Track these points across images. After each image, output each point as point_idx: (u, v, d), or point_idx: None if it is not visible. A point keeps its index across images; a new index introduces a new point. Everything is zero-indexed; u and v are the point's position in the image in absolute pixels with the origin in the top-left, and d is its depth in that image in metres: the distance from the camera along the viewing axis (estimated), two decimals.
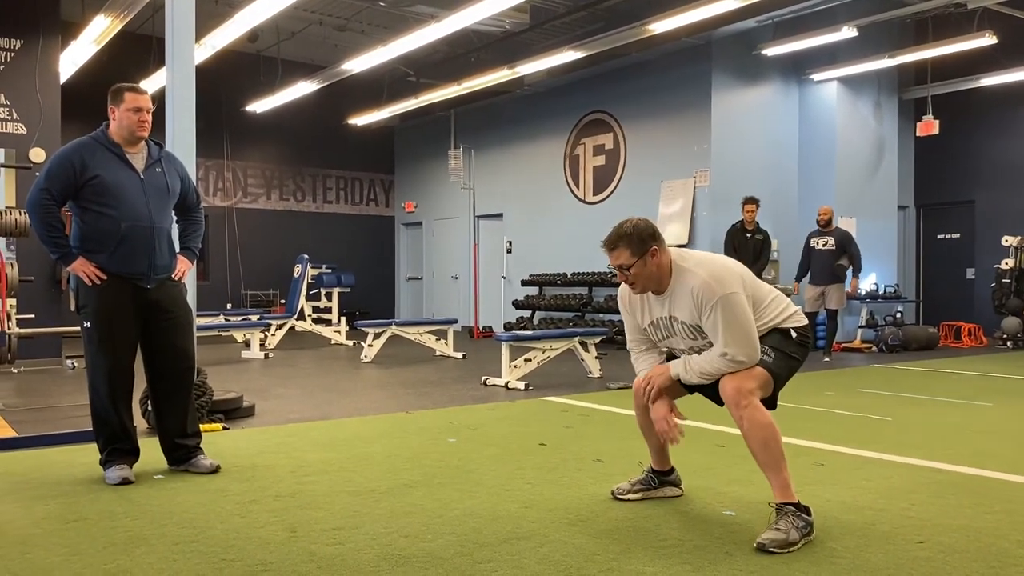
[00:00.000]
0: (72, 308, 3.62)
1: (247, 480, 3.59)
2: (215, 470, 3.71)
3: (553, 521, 2.97)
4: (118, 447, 3.59)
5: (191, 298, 4.70)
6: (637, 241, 2.81)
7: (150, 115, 3.52)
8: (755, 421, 2.78)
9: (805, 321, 3.00)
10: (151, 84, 10.07)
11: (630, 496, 3.26)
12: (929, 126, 11.01)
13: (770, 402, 2.93)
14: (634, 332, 3.12)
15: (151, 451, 3.85)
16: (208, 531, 2.86)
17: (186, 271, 3.73)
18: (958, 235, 12.95)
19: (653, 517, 3.03)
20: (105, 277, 3.45)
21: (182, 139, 4.84)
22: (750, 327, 2.79)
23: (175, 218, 3.84)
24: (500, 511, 3.10)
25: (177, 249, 3.79)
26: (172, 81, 4.90)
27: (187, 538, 2.78)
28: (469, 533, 2.83)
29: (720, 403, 2.97)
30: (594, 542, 2.74)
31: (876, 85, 11.39)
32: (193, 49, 5.04)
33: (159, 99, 4.04)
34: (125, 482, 3.49)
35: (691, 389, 3.09)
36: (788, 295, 10.12)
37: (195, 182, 3.98)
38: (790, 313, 2.96)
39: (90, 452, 3.77)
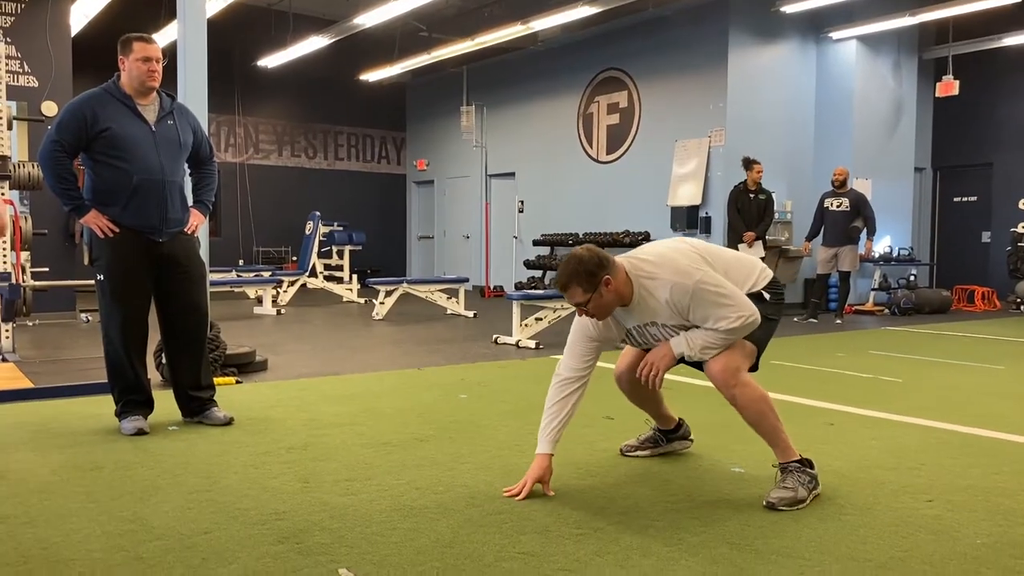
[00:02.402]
0: (86, 262, 3.62)
1: (260, 432, 3.63)
2: (229, 422, 3.75)
3: (562, 476, 2.99)
4: (133, 398, 3.63)
5: (204, 252, 4.73)
6: (586, 277, 2.64)
7: (160, 65, 3.49)
8: (747, 397, 2.73)
9: (771, 274, 2.90)
10: (163, 37, 9.99)
11: (638, 452, 3.28)
12: (949, 87, 10.82)
13: (752, 366, 2.88)
14: (586, 347, 2.85)
15: (166, 403, 3.89)
16: (222, 481, 2.90)
17: (199, 224, 3.73)
18: (975, 198, 12.81)
19: (662, 473, 3.05)
20: (118, 230, 3.46)
21: (194, 93, 4.82)
22: (734, 292, 2.70)
23: (188, 171, 3.84)
24: (510, 465, 3.13)
25: (190, 203, 3.79)
26: (184, 34, 4.87)
27: (201, 487, 2.82)
28: (480, 486, 2.86)
29: (702, 369, 2.95)
30: (602, 496, 2.77)
31: (896, 44, 11.18)
32: (204, 1, 5.00)
33: (170, 53, 4.02)
34: (140, 433, 3.53)
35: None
36: (800, 256, 10.09)
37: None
38: (757, 274, 2.88)
39: (105, 404, 3.82)
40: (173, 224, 3.58)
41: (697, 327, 2.73)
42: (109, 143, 3.40)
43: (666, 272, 2.70)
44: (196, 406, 3.78)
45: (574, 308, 2.78)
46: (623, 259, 2.77)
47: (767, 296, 2.84)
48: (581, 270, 2.65)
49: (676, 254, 2.77)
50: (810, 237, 9.54)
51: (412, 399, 4.46)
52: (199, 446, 3.39)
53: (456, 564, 2.16)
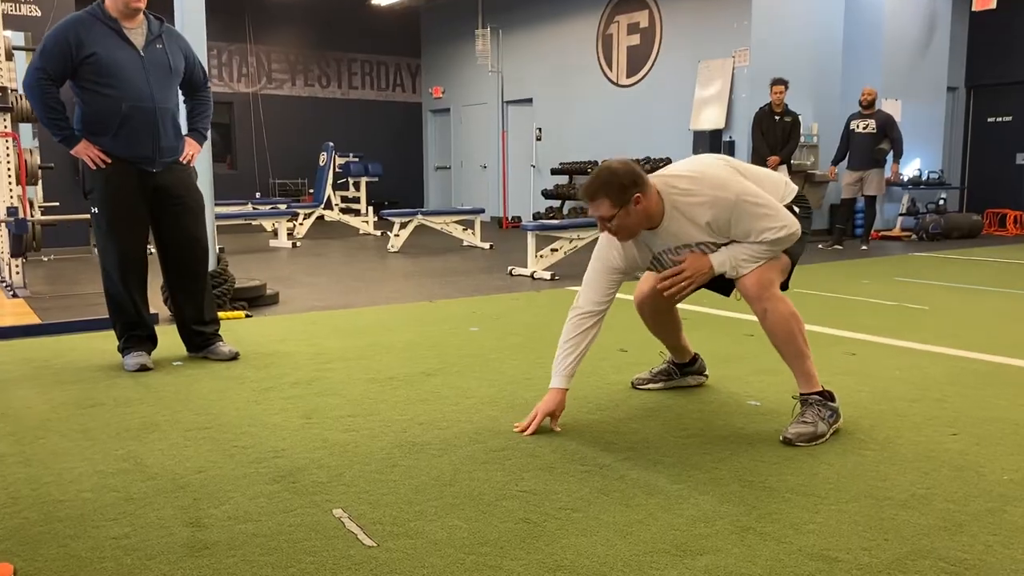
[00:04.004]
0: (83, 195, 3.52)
1: (265, 367, 3.56)
2: (234, 357, 3.68)
3: (571, 410, 2.89)
4: (135, 334, 3.56)
5: (205, 183, 4.60)
6: (618, 190, 2.49)
7: None
8: (778, 312, 2.62)
9: (796, 189, 2.76)
10: None
11: (650, 386, 3.17)
12: (986, 0, 10.29)
13: (783, 284, 2.76)
14: (607, 280, 2.71)
15: (172, 338, 3.83)
16: (222, 417, 2.83)
17: (195, 154, 3.59)
18: (1009, 118, 12.32)
19: (674, 407, 2.95)
20: (110, 160, 3.34)
21: (191, 18, 4.63)
22: (773, 203, 2.57)
23: (183, 99, 3.69)
24: (518, 400, 3.04)
25: (185, 132, 3.65)
26: None
27: (200, 424, 2.75)
28: (485, 421, 2.78)
29: (725, 293, 2.82)
30: (611, 431, 2.67)
31: None
32: None
33: None
34: (143, 369, 3.47)
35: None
36: (826, 181, 9.81)
37: (209, 66, 3.80)
38: (783, 188, 2.73)
39: (110, 339, 3.75)
40: (167, 153, 3.44)
41: (735, 242, 2.59)
42: (96, 69, 3.25)
43: (705, 187, 2.55)
44: (200, 341, 3.72)
45: (596, 222, 2.64)
46: (654, 178, 2.61)
47: (796, 210, 2.70)
48: (614, 182, 2.50)
49: (712, 169, 2.62)
50: (836, 161, 9.24)
51: (422, 332, 4.37)
52: (201, 382, 3.32)
53: (455, 503, 2.08)
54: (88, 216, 3.53)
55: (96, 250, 6.67)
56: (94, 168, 3.35)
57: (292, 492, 2.16)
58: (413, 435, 2.63)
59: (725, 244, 2.61)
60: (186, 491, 2.17)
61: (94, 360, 3.70)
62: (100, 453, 2.48)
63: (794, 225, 2.55)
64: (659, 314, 3.03)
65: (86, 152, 3.31)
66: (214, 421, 2.79)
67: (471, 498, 2.12)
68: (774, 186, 2.71)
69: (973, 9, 10.72)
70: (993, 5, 10.25)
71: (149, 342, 3.63)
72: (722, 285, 2.77)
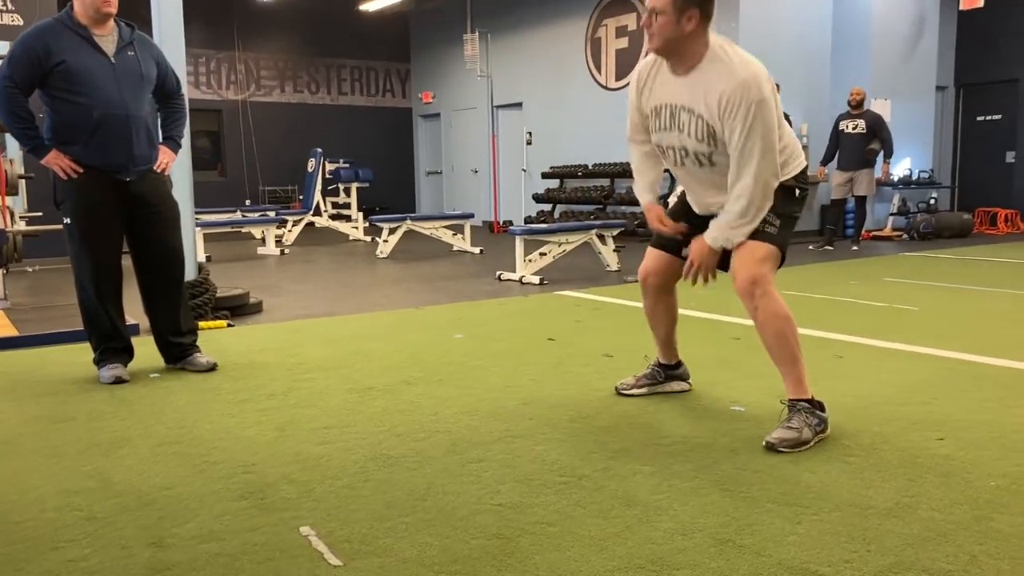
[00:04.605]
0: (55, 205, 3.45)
1: (243, 378, 3.50)
2: (212, 368, 3.62)
3: (552, 419, 2.84)
4: (110, 346, 3.50)
5: (185, 191, 4.56)
6: None
7: None
8: (771, 311, 2.58)
9: (804, 163, 2.71)
10: None
11: (634, 391, 3.12)
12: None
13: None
14: (636, 119, 2.81)
15: (150, 349, 3.76)
16: (194, 431, 2.77)
17: (169, 162, 3.53)
18: (999, 116, 12.31)
19: (657, 413, 2.89)
20: (81, 170, 3.27)
21: (169, 25, 4.57)
22: (776, 147, 2.50)
23: (157, 108, 3.63)
24: (499, 409, 2.98)
25: (161, 141, 3.59)
26: None
27: (172, 439, 2.69)
28: (463, 432, 2.72)
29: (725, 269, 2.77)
30: (592, 440, 2.62)
31: None
32: None
33: None
34: (119, 381, 3.41)
35: (678, 251, 2.86)
36: (816, 182, 9.77)
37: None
38: (797, 157, 2.67)
39: (88, 351, 3.67)
40: (140, 162, 3.38)
41: (702, 147, 2.57)
42: (65, 77, 3.19)
43: (747, 71, 2.47)
44: (177, 352, 3.65)
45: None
46: (713, 34, 2.56)
47: (797, 192, 2.67)
48: None
49: (764, 72, 2.51)
50: (825, 161, 9.20)
51: (406, 340, 4.31)
52: (177, 394, 3.26)
53: (427, 519, 2.02)
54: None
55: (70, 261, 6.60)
56: (65, 178, 3.28)
57: (260, 509, 2.10)
58: (388, 447, 2.57)
59: (710, 149, 2.56)
60: (151, 509, 2.11)
61: (71, 373, 3.64)
62: (67, 470, 2.41)
63: (774, 182, 2.52)
64: (661, 293, 2.97)
65: (56, 162, 3.25)
66: (186, 435, 2.73)
67: (444, 513, 2.06)
68: (789, 150, 2.65)
69: (961, 8, 10.71)
70: (980, 4, 10.25)
71: (125, 354, 3.57)
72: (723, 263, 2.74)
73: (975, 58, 12.24)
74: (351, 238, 11.27)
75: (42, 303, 5.81)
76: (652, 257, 2.96)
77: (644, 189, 2.89)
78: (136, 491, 2.24)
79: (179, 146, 3.61)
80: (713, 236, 2.62)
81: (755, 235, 2.59)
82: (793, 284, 6.10)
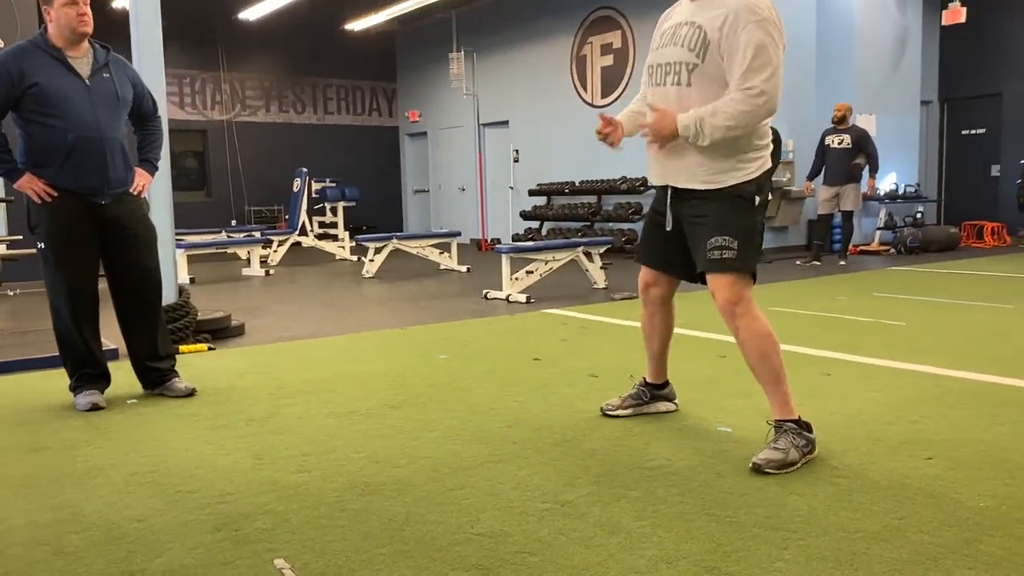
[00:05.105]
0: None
1: (222, 403, 3.43)
2: (190, 393, 3.55)
3: (536, 442, 2.80)
4: (86, 372, 3.43)
5: (165, 212, 4.51)
6: None
7: (88, 6, 3.21)
8: (752, 331, 2.56)
9: (769, 164, 2.62)
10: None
11: (620, 412, 3.07)
12: (956, 14, 10.35)
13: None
14: (645, 78, 2.74)
15: (128, 374, 3.69)
16: (170, 460, 2.71)
17: (145, 185, 3.48)
18: (983, 130, 12.38)
19: (642, 435, 2.85)
20: (56, 194, 3.22)
21: (148, 50, 4.52)
22: (779, 66, 2.43)
23: (133, 130, 3.59)
24: (482, 432, 2.93)
25: (137, 163, 3.54)
26: None
27: (146, 468, 2.63)
28: (445, 457, 2.67)
29: (694, 280, 2.76)
30: (577, 464, 2.57)
31: None
32: None
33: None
34: (95, 408, 3.34)
35: (670, 268, 2.82)
36: (802, 197, 9.78)
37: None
38: (763, 153, 2.61)
39: (65, 377, 3.62)
40: (116, 184, 3.32)
41: (691, 57, 2.51)
42: (39, 100, 3.14)
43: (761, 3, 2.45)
44: (155, 377, 3.59)
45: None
46: None
47: (756, 201, 2.59)
48: None
49: (772, 4, 2.48)
50: (811, 176, 9.21)
51: (389, 362, 4.25)
52: (153, 421, 3.20)
53: (404, 550, 1.97)
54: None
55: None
56: (39, 202, 3.23)
57: (234, 541, 2.04)
58: (368, 475, 2.52)
59: (696, 62, 2.51)
60: (122, 543, 2.05)
61: (46, 400, 3.57)
62: (37, 502, 2.35)
63: (773, 100, 2.43)
64: (660, 304, 2.93)
65: (29, 186, 3.19)
66: (161, 464, 2.67)
67: (423, 543, 2.00)
68: (764, 139, 2.61)
69: (943, 24, 10.79)
70: (962, 19, 10.33)
71: (102, 380, 3.50)
72: (693, 273, 2.71)
73: (959, 73, 12.33)
74: (337, 258, 11.21)
75: (21, 328, 5.73)
76: (647, 270, 2.93)
77: (627, 115, 2.88)
78: (107, 523, 2.17)
79: (156, 168, 3.57)
80: (685, 122, 2.49)
81: (716, 265, 2.56)
82: (781, 300, 6.08)
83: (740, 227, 2.56)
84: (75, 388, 3.44)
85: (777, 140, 2.73)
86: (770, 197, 2.70)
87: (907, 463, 2.49)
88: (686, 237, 2.68)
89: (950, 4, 10.43)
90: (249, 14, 12.37)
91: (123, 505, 2.31)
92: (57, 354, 4.09)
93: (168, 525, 2.15)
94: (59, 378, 3.83)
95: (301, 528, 2.11)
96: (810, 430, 2.56)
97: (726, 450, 2.66)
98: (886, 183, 10.67)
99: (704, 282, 2.68)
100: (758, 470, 2.43)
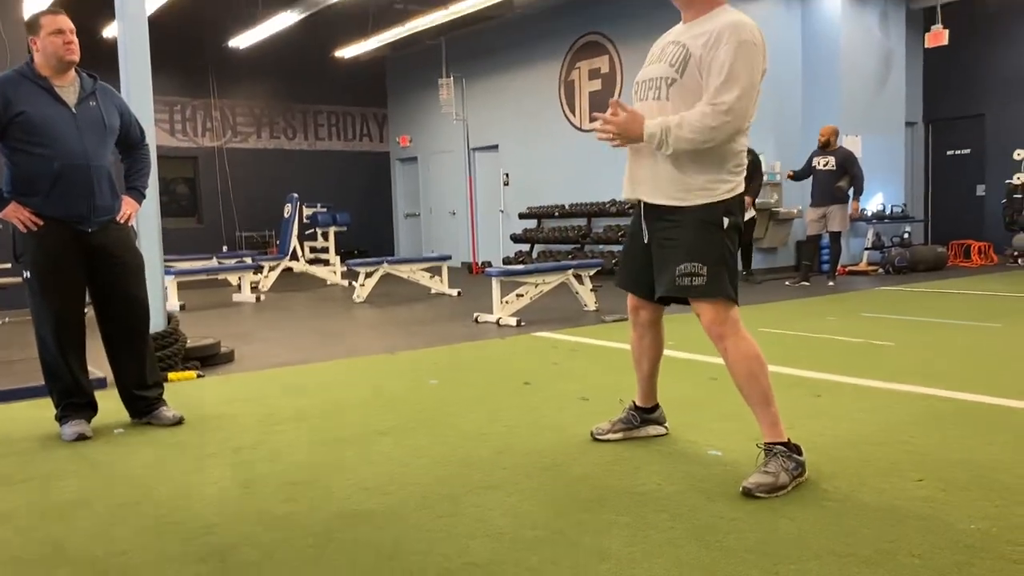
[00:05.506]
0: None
1: (210, 431, 3.41)
2: (178, 422, 3.53)
3: (526, 467, 2.78)
4: (73, 402, 3.40)
5: (153, 239, 4.50)
6: None
7: (74, 35, 3.22)
8: (740, 352, 2.56)
9: (741, 188, 2.63)
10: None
11: (610, 436, 3.06)
12: (938, 36, 10.48)
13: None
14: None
15: (116, 403, 3.66)
16: (156, 490, 2.68)
17: (133, 213, 3.47)
18: (968, 151, 12.51)
19: (633, 460, 2.83)
20: (41, 222, 3.21)
21: (137, 78, 4.54)
22: (753, 88, 2.47)
23: (121, 158, 3.59)
24: (472, 458, 2.91)
25: (125, 190, 3.53)
26: (122, 9, 4.57)
27: (132, 499, 2.60)
28: (434, 484, 2.65)
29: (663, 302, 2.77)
30: (566, 490, 2.55)
31: None
32: None
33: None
34: (81, 438, 3.31)
35: (652, 294, 2.78)
36: (790, 218, 9.84)
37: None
38: (737, 177, 2.61)
39: (53, 407, 3.59)
40: (102, 212, 3.32)
41: (670, 72, 2.56)
42: (25, 128, 3.14)
43: (740, 17, 2.52)
44: (143, 406, 3.56)
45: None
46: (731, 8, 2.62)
47: (726, 222, 2.58)
48: None
49: (758, 28, 2.54)
50: (798, 176, 9.27)
51: (379, 388, 4.23)
52: (140, 451, 3.17)
53: None
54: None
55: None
56: (24, 231, 3.22)
57: (219, 574, 2.02)
58: (356, 503, 2.49)
59: (674, 77, 2.55)
60: None
61: (32, 430, 3.53)
62: (20, 536, 2.32)
63: (740, 119, 2.47)
64: (649, 325, 2.92)
65: (14, 215, 3.18)
66: (147, 495, 2.64)
67: (411, 575, 1.98)
68: (742, 162, 2.63)
69: (926, 46, 10.92)
70: (945, 42, 10.45)
71: (89, 409, 3.47)
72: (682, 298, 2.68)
73: (942, 94, 12.47)
74: (329, 283, 11.19)
75: (10, 357, 5.68)
76: (635, 298, 2.93)
77: None
78: (90, 558, 2.15)
79: (143, 196, 3.56)
80: (652, 129, 2.51)
81: (685, 292, 2.57)
82: (770, 321, 6.09)
83: (708, 252, 2.56)
84: (61, 418, 3.41)
85: (756, 162, 2.77)
86: (752, 217, 2.70)
87: (898, 485, 2.49)
88: (652, 259, 2.69)
89: (933, 27, 10.57)
90: (239, 41, 12.42)
91: (107, 538, 2.28)
92: (43, 383, 4.07)
93: (152, 559, 2.13)
94: (45, 407, 3.79)
95: (287, 560, 2.09)
96: (800, 452, 2.56)
97: (716, 474, 2.65)
98: (873, 203, 10.75)
99: (668, 304, 2.69)
100: (748, 494, 2.42)
